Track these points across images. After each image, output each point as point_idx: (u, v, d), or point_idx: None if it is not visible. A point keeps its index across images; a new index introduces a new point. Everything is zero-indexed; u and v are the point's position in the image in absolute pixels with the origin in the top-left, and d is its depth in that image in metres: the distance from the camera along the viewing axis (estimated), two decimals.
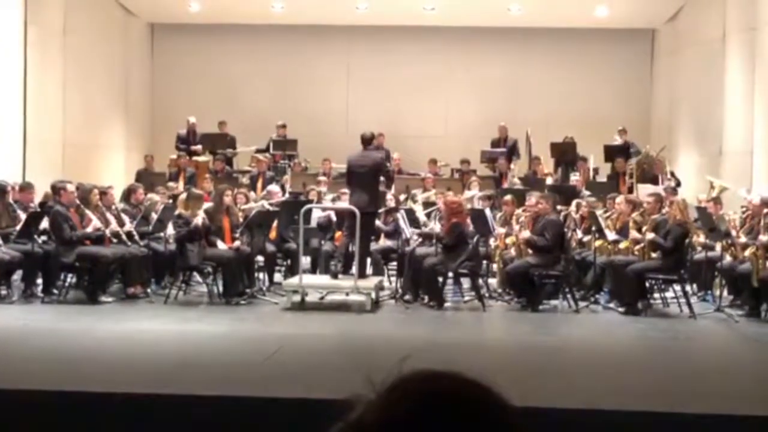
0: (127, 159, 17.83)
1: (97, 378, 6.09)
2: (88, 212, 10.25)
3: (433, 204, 11.98)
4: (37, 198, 11.48)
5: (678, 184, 13.87)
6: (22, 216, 10.37)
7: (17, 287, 10.37)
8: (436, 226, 10.68)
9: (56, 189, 10.59)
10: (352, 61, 18.78)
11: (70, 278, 10.54)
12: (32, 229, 10.20)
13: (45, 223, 10.42)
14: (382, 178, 10.70)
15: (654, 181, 14.18)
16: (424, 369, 0.95)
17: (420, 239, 11.06)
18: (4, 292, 10.08)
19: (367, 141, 10.57)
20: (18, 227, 10.24)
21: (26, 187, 11.33)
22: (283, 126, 16.62)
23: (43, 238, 10.55)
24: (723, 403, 5.68)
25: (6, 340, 7.81)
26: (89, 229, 10.13)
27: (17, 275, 10.48)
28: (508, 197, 11.78)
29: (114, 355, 7.08)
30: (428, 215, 11.63)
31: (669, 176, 14.20)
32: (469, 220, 10.71)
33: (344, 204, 10.86)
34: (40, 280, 10.38)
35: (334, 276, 10.29)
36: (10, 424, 4.95)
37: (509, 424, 0.93)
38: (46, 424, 4.94)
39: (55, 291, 10.25)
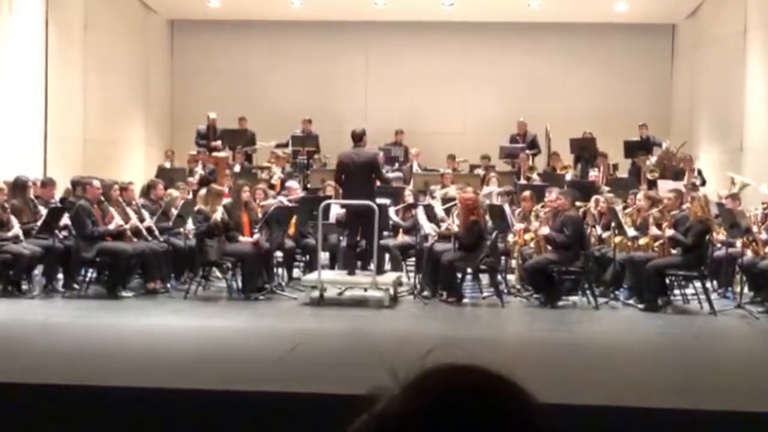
0: (146, 155, 17.91)
1: (117, 372, 6.13)
2: (111, 210, 10.30)
3: (453, 200, 11.95)
4: (58, 194, 11.57)
5: (703, 183, 13.76)
6: (43, 211, 10.45)
7: (38, 282, 10.45)
8: (455, 223, 10.62)
9: (81, 184, 10.67)
10: (370, 57, 18.77)
11: (91, 273, 10.61)
12: (53, 224, 10.27)
13: (66, 219, 10.51)
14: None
15: (679, 177, 14.09)
16: (448, 363, 0.96)
17: (437, 237, 11.02)
18: (25, 287, 10.16)
19: (357, 138, 10.54)
20: (39, 222, 10.32)
21: (48, 183, 11.42)
22: (309, 121, 16.64)
23: (64, 233, 10.62)
24: (743, 400, 5.65)
25: (27, 335, 7.87)
26: (111, 227, 10.18)
27: (38, 270, 10.56)
28: (526, 193, 11.74)
29: (133, 350, 7.12)
30: (447, 211, 11.60)
31: (696, 174, 14.10)
32: (487, 216, 10.69)
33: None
34: (61, 275, 10.46)
35: (351, 272, 10.29)
36: (30, 418, 4.99)
37: (534, 419, 0.93)
38: (66, 418, 4.97)
39: (76, 286, 10.32)
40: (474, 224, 10.12)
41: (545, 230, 10.29)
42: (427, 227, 10.83)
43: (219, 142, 16.31)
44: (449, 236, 10.60)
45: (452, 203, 11.60)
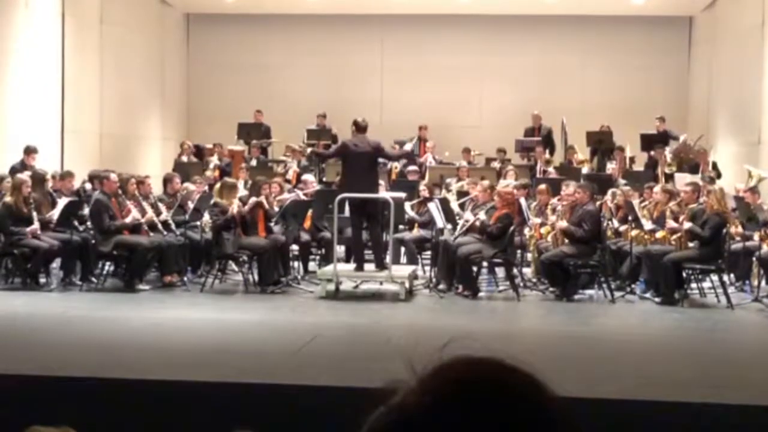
0: (162, 149, 17.97)
1: (134, 365, 6.17)
2: (128, 203, 10.35)
3: (467, 194, 11.93)
4: (77, 186, 11.67)
5: (719, 176, 13.69)
6: (60, 204, 10.51)
7: (56, 275, 10.52)
8: (469, 217, 10.59)
9: (99, 178, 10.73)
10: (386, 50, 18.76)
11: (108, 266, 10.67)
12: (71, 217, 10.33)
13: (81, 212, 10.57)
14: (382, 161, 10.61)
15: (695, 170, 14.03)
16: (465, 355, 0.96)
17: (452, 229, 10.96)
18: (43, 280, 10.22)
19: (363, 128, 10.47)
20: (56, 216, 10.37)
21: (66, 176, 11.50)
22: (323, 115, 16.65)
23: (82, 227, 10.69)
24: (760, 394, 5.62)
25: (45, 328, 7.92)
26: (128, 220, 10.23)
27: (56, 263, 10.63)
28: (542, 186, 11.72)
29: (150, 343, 7.15)
30: (462, 205, 11.58)
31: (711, 168, 14.03)
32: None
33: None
34: (78, 269, 10.51)
35: (360, 267, 10.27)
36: (49, 410, 5.02)
37: (552, 412, 0.93)
38: (84, 409, 5.00)
39: (93, 279, 10.38)
40: (506, 217, 10.13)
41: (563, 224, 10.26)
42: (440, 221, 10.78)
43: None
44: (474, 228, 10.48)
45: (466, 197, 11.61)
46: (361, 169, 10.19)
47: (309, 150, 14.27)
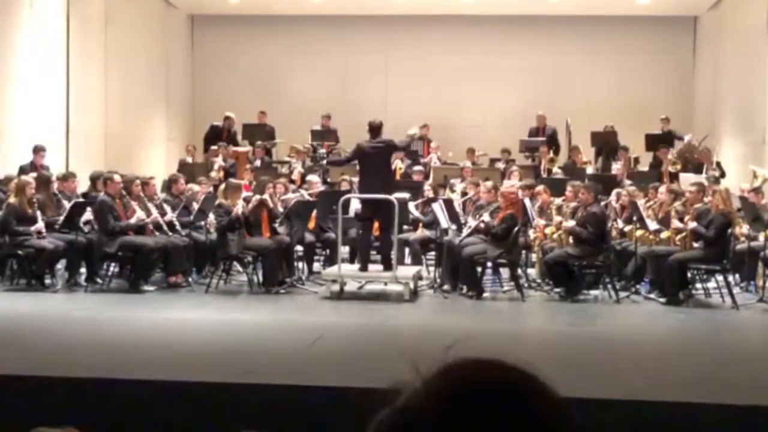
0: (167, 150, 17.99)
1: (139, 365, 6.17)
2: (133, 204, 10.37)
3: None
4: (81, 188, 11.68)
5: (722, 175, 13.67)
6: (67, 205, 10.53)
7: (61, 276, 10.54)
8: (472, 223, 10.57)
9: (100, 178, 10.74)
10: (390, 51, 18.76)
11: (113, 267, 10.68)
12: (76, 218, 10.35)
13: (88, 214, 10.58)
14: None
15: (699, 170, 14.00)
16: (469, 357, 0.96)
17: (457, 229, 10.96)
18: (48, 281, 10.23)
19: (376, 129, 10.48)
20: (62, 217, 10.40)
21: (69, 177, 11.51)
22: (328, 117, 16.66)
23: (87, 227, 10.70)
24: (765, 394, 5.61)
25: (50, 329, 7.93)
26: (132, 221, 10.25)
27: (61, 264, 10.64)
28: (539, 187, 11.73)
29: (155, 344, 7.16)
30: (463, 206, 11.58)
31: (714, 166, 14.00)
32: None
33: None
34: (83, 270, 10.54)
35: (364, 268, 10.29)
36: (53, 411, 5.03)
37: (555, 413, 0.93)
38: (88, 411, 5.01)
39: (99, 280, 10.39)
40: (510, 217, 10.12)
41: (570, 223, 10.25)
42: (444, 222, 10.78)
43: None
44: (479, 230, 10.48)
45: (465, 197, 11.61)
46: (377, 169, 10.23)
47: (324, 161, 14.35)
